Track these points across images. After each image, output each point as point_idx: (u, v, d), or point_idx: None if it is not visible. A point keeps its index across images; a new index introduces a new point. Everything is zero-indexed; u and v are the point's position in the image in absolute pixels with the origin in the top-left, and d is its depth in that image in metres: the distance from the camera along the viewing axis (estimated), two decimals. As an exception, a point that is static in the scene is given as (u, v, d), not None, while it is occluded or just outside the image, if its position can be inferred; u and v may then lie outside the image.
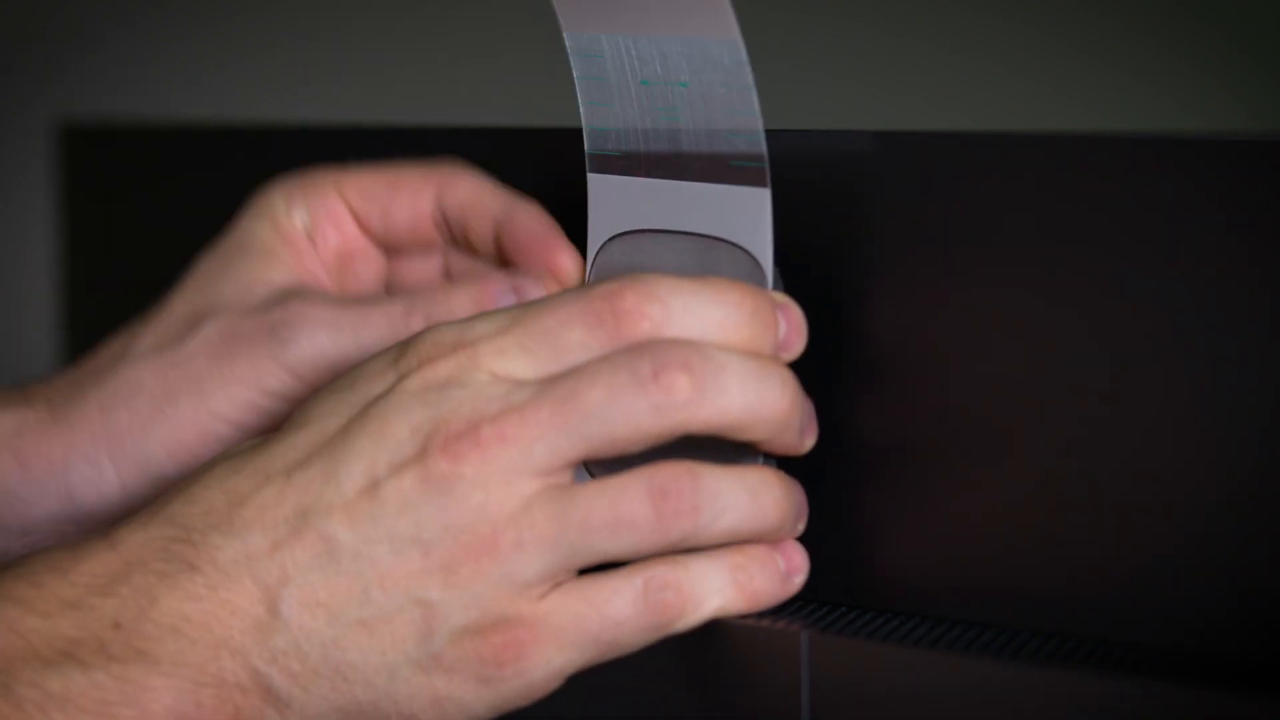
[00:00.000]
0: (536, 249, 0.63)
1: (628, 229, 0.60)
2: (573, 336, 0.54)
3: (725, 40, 0.57)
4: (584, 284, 0.62)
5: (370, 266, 0.67)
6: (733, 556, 0.56)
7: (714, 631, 0.57)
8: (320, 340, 0.62)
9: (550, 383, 0.54)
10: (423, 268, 0.67)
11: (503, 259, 0.65)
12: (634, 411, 0.53)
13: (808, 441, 0.57)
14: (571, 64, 0.60)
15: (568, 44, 0.60)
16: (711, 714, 0.58)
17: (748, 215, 0.58)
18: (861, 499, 0.58)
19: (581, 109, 0.61)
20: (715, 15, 0.57)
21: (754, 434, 0.55)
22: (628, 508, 0.54)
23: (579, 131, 0.61)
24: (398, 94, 1.30)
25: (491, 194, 0.64)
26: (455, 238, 0.66)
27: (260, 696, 0.53)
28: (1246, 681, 0.52)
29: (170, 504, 0.55)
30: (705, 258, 0.59)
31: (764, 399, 0.55)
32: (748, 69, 0.57)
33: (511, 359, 0.54)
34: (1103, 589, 0.55)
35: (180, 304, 0.65)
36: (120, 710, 0.52)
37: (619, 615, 0.54)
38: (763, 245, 0.58)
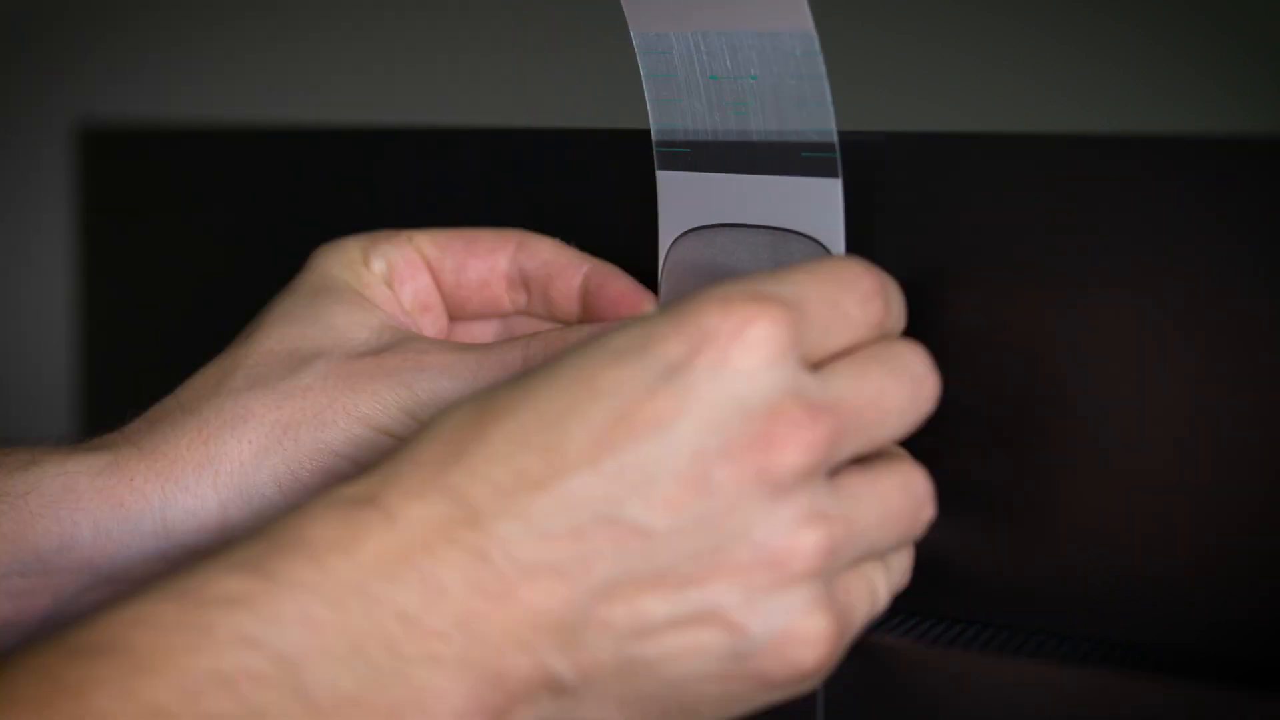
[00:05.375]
0: (628, 302, 0.63)
1: (699, 224, 0.61)
2: (854, 313, 0.54)
3: (798, 32, 0.57)
4: (658, 280, 0.63)
5: (435, 325, 0.67)
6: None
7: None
8: (442, 385, 0.61)
9: (843, 386, 0.53)
10: (480, 331, 0.67)
11: (586, 316, 0.65)
12: (911, 416, 0.54)
13: None
14: (639, 61, 0.60)
15: (635, 41, 0.60)
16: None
17: (819, 206, 0.58)
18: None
19: (649, 105, 0.61)
20: (790, 7, 0.57)
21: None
22: (894, 507, 0.54)
23: (645, 131, 0.61)
24: (452, 95, 1.26)
25: (576, 253, 0.65)
26: (532, 295, 0.65)
27: (542, 684, 0.51)
28: (1247, 681, 0.52)
29: (447, 473, 0.52)
30: (778, 250, 0.59)
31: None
32: (820, 60, 0.57)
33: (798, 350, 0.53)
34: (1103, 589, 0.56)
35: (272, 342, 0.63)
36: (409, 713, 0.50)
37: (862, 618, 0.54)
38: (835, 236, 0.58)
